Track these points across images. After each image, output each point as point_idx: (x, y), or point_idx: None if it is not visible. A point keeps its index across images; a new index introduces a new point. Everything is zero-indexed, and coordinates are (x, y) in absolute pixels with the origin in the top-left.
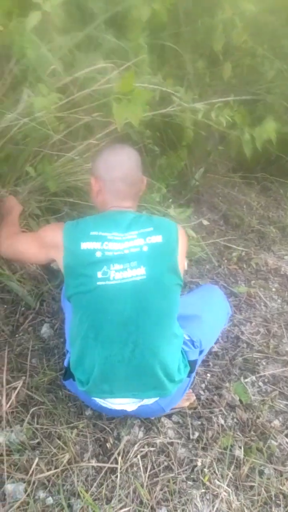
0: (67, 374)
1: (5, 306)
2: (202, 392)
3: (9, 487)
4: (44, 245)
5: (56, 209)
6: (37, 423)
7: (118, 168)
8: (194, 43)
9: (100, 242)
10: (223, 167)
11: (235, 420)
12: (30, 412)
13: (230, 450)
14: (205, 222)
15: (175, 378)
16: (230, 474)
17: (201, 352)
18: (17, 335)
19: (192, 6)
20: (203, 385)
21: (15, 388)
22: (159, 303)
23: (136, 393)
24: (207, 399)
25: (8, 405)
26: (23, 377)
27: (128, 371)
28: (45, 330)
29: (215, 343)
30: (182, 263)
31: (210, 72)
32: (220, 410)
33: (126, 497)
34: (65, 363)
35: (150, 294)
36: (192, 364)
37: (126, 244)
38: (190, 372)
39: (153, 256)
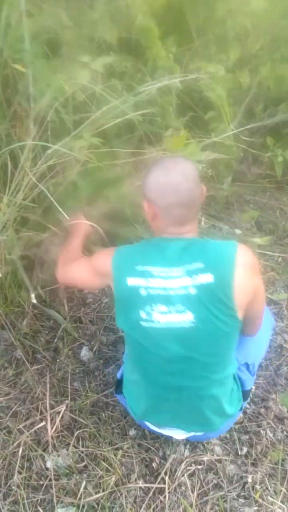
0: (119, 387)
1: (45, 332)
2: (248, 406)
3: (60, 511)
4: (98, 273)
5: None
6: (83, 446)
7: (172, 191)
8: (208, 56)
9: (144, 278)
10: (251, 174)
11: (284, 433)
12: (75, 435)
13: (282, 465)
14: (238, 231)
15: (227, 413)
16: (284, 490)
17: (254, 374)
18: (58, 360)
19: (203, 20)
20: (248, 398)
21: (58, 413)
22: (209, 351)
23: (185, 426)
24: (253, 412)
25: (53, 430)
26: (66, 401)
27: (174, 410)
28: (84, 353)
29: None
30: (243, 297)
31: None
32: (268, 423)
33: None
34: (118, 375)
35: (199, 343)
36: (246, 394)
37: (171, 283)
38: (244, 400)
39: (203, 301)
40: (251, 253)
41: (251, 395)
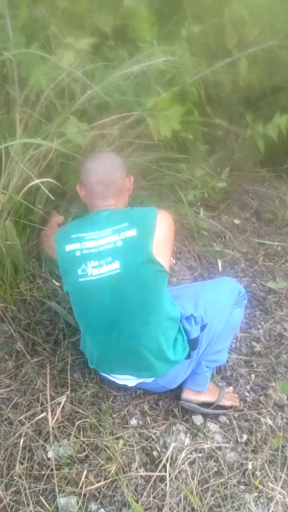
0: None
1: (45, 324)
2: (247, 394)
3: (61, 500)
4: (53, 249)
5: None
6: (84, 436)
7: (93, 172)
8: (205, 45)
9: (79, 242)
10: (249, 163)
11: (284, 420)
12: (76, 425)
13: (282, 451)
14: (237, 221)
15: (170, 359)
16: (284, 476)
17: (203, 327)
18: (58, 352)
19: (200, 9)
20: (248, 387)
21: (59, 403)
22: (138, 293)
23: (131, 372)
24: (253, 400)
25: (54, 420)
26: (67, 392)
27: (119, 355)
28: None
29: (239, 329)
30: (164, 250)
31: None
32: (268, 411)
33: (177, 505)
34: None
35: (126, 286)
36: (193, 342)
37: (101, 242)
38: (192, 350)
39: (127, 250)
40: (170, 217)
41: (200, 345)
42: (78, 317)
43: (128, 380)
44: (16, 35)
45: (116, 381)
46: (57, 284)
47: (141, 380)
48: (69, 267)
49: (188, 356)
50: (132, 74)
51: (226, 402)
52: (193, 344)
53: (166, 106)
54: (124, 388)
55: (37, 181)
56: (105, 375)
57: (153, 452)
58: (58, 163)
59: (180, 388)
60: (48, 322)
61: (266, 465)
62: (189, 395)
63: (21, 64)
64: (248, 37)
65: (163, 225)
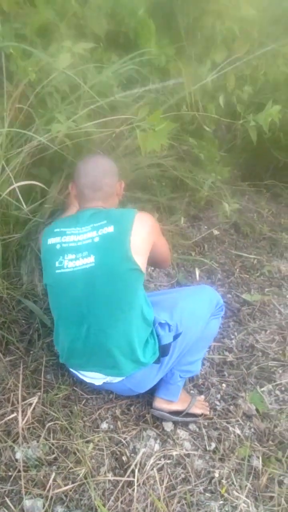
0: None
1: (21, 323)
2: (217, 403)
3: (27, 502)
4: None
5: None
6: (53, 438)
7: (84, 175)
8: (196, 57)
9: (60, 236)
10: (231, 176)
11: (252, 430)
12: (46, 427)
13: (248, 461)
14: (216, 232)
15: (139, 359)
16: (249, 485)
17: (177, 335)
18: (31, 352)
19: (192, 20)
20: (218, 396)
21: (30, 404)
22: (109, 288)
23: (99, 369)
24: (223, 409)
25: (24, 421)
26: (38, 393)
27: (88, 349)
28: None
29: (213, 339)
30: (142, 250)
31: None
32: (237, 420)
33: (144, 510)
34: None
35: (99, 280)
36: (164, 348)
37: (81, 237)
38: (163, 356)
39: (103, 245)
40: (150, 217)
41: (170, 351)
42: (52, 309)
43: (95, 379)
44: (5, 27)
45: (84, 378)
46: (37, 283)
47: (108, 379)
48: (49, 259)
49: (158, 361)
50: (123, 75)
51: (197, 410)
52: (163, 350)
53: (156, 120)
54: (97, 391)
55: (15, 185)
56: (74, 371)
57: (123, 457)
58: (45, 160)
59: (152, 395)
60: (23, 321)
61: (232, 474)
62: (161, 404)
63: (12, 58)
64: (237, 52)
65: (142, 225)
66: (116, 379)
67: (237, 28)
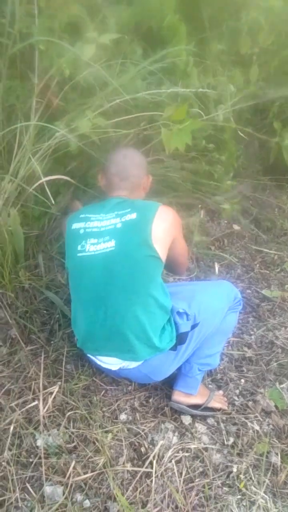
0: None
1: (42, 313)
2: (236, 398)
3: (47, 489)
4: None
5: None
6: (73, 427)
7: (114, 165)
8: (220, 49)
9: (84, 222)
10: (252, 171)
11: (271, 426)
12: (66, 416)
13: (267, 457)
14: (236, 227)
15: (155, 344)
16: (267, 481)
17: (195, 325)
18: (52, 342)
19: (217, 11)
20: (237, 391)
21: (51, 393)
22: (127, 272)
23: (115, 353)
24: (241, 404)
25: (45, 409)
26: (59, 382)
27: (104, 332)
28: None
29: (231, 334)
30: (162, 241)
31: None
32: (255, 416)
33: (162, 501)
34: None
35: (117, 264)
36: (181, 336)
37: (104, 223)
38: (180, 344)
39: (125, 231)
40: (173, 212)
41: (188, 340)
42: (72, 291)
43: (112, 364)
44: (42, 21)
45: (101, 364)
46: (57, 274)
47: (124, 364)
48: (72, 243)
49: (174, 348)
50: (150, 73)
51: (215, 404)
52: (181, 338)
53: (181, 117)
54: (116, 382)
55: (45, 179)
56: (91, 357)
57: (141, 448)
58: (72, 157)
59: (170, 388)
60: (45, 311)
61: (251, 469)
62: (179, 397)
63: (43, 52)
64: (262, 44)
65: (164, 219)
66: (132, 365)
67: (263, 19)
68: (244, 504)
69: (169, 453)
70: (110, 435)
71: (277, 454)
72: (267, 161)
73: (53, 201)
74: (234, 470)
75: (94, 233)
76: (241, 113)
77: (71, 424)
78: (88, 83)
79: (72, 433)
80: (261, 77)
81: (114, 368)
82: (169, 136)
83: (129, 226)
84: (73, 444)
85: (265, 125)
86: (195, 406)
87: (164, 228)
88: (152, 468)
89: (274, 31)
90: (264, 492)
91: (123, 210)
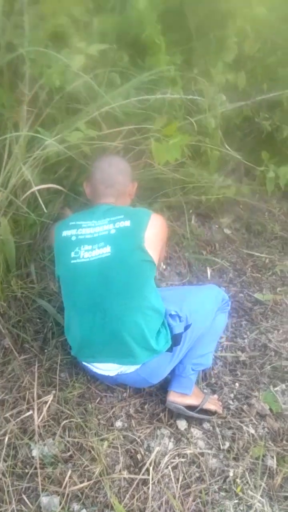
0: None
1: (35, 322)
2: (231, 402)
3: (44, 499)
4: (52, 237)
5: None
6: (69, 436)
7: (99, 172)
8: (207, 56)
9: (75, 229)
10: (242, 175)
11: (266, 429)
12: (61, 425)
13: (262, 460)
14: (227, 231)
15: (152, 347)
16: (263, 485)
17: (187, 326)
18: (46, 350)
19: (203, 20)
20: (231, 395)
21: (46, 402)
22: (123, 277)
23: (113, 359)
24: (236, 408)
25: (40, 419)
26: (53, 391)
27: (102, 337)
28: None
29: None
30: (155, 246)
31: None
32: (250, 420)
33: (159, 508)
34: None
35: (114, 269)
36: (176, 337)
37: (97, 229)
38: (175, 345)
39: (119, 237)
40: (163, 220)
41: (182, 341)
42: (65, 298)
43: (109, 370)
44: (32, 33)
45: (97, 371)
46: (49, 282)
47: (123, 368)
48: (63, 250)
49: (170, 350)
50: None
51: (210, 406)
52: (176, 339)
53: (172, 132)
54: (111, 389)
55: (36, 188)
56: (86, 365)
57: (137, 455)
58: (61, 165)
59: (165, 393)
60: (38, 320)
61: (247, 473)
62: (175, 397)
63: (33, 62)
64: (248, 51)
65: (155, 225)
66: (130, 369)
67: (249, 27)
68: (241, 508)
69: (166, 459)
70: (106, 443)
71: (272, 457)
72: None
73: (45, 209)
74: (231, 474)
75: (88, 239)
76: (229, 119)
77: (67, 433)
78: (78, 92)
79: (68, 442)
80: (248, 83)
81: (112, 374)
82: (159, 150)
83: (123, 232)
84: (68, 453)
85: (252, 130)
86: (191, 407)
87: (156, 234)
88: (148, 475)
89: (260, 39)
90: (261, 496)
91: (115, 216)
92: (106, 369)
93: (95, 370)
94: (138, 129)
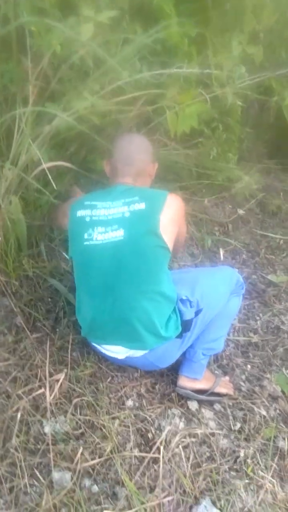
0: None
1: (46, 301)
2: (242, 384)
3: (56, 475)
4: (65, 214)
5: None
6: (80, 414)
7: (118, 150)
8: (223, 27)
9: (90, 209)
10: (257, 154)
11: (277, 411)
12: (73, 403)
13: (274, 442)
14: (241, 211)
15: (161, 334)
16: (274, 465)
17: (199, 311)
18: (57, 329)
19: None
20: (243, 376)
21: (57, 380)
22: (136, 262)
23: (121, 342)
24: (248, 390)
25: (52, 397)
26: (65, 370)
27: (112, 321)
28: None
29: (234, 320)
30: (171, 228)
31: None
32: (262, 401)
33: (169, 486)
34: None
35: (126, 253)
36: (186, 324)
37: (112, 211)
38: (185, 331)
39: (133, 220)
40: (180, 200)
41: (192, 327)
42: (77, 280)
43: (118, 353)
44: (25, 1)
45: (106, 353)
46: (62, 262)
47: (131, 352)
48: (77, 231)
49: (180, 336)
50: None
51: (221, 390)
52: (186, 325)
53: (188, 100)
54: (122, 369)
55: (45, 165)
56: (96, 346)
57: (148, 434)
58: (71, 142)
59: (176, 374)
60: (49, 299)
61: (258, 454)
62: (185, 382)
63: (35, 34)
64: (265, 22)
65: (172, 206)
66: (139, 353)
67: None
68: (252, 488)
69: (176, 438)
70: (117, 421)
71: (284, 438)
72: (272, 142)
73: (55, 188)
74: (241, 455)
75: (102, 221)
76: (246, 96)
77: (78, 411)
78: (85, 63)
79: (79, 419)
80: (265, 56)
81: (120, 356)
82: (174, 120)
83: (137, 215)
84: (80, 431)
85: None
86: (201, 391)
87: (172, 217)
88: (159, 453)
89: (278, 9)
90: (272, 476)
91: (130, 198)
92: (115, 351)
93: (104, 351)
94: (151, 103)
